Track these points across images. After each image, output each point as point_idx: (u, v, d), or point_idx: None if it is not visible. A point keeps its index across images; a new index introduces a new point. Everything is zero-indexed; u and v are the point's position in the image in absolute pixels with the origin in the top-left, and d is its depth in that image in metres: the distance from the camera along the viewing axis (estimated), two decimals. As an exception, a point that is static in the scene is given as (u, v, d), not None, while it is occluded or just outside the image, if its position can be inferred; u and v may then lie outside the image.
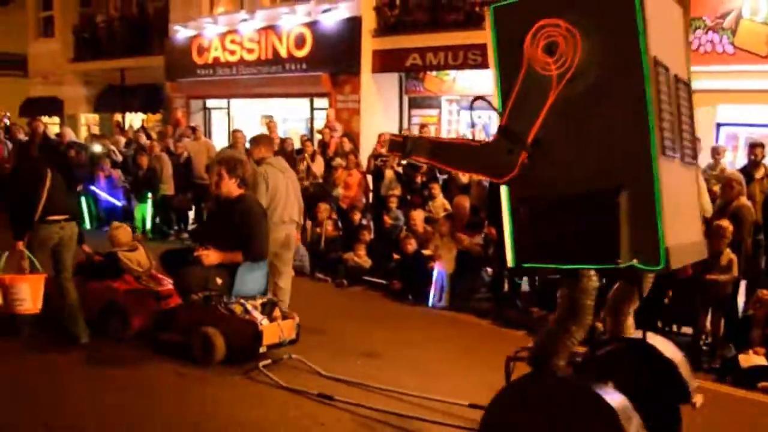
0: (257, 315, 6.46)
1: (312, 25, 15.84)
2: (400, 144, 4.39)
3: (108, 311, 7.10)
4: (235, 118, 18.93)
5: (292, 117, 17.42)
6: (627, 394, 3.79)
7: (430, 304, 9.14)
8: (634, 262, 3.57)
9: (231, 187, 6.72)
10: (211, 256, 6.53)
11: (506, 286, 9.07)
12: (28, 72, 28.02)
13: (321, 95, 16.28)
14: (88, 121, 24.93)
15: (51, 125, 21.83)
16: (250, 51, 17.23)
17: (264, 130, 14.66)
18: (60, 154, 14.52)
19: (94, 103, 24.20)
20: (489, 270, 9.41)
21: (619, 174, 3.63)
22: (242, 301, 6.54)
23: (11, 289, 6.47)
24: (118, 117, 22.49)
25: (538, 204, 3.85)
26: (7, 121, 22.84)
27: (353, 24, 15.16)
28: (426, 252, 9.52)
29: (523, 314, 8.55)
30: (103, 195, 13.82)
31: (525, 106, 3.85)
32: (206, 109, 20.06)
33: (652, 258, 3.55)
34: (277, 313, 6.66)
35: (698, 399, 4.22)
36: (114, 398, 5.64)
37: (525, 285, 9.01)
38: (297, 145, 13.49)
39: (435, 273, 9.20)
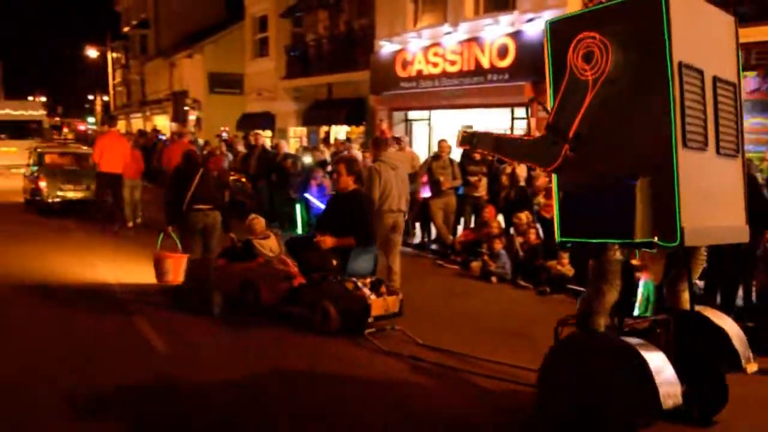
0: (366, 291, 7.47)
1: (515, 35, 15.91)
2: (469, 138, 5.35)
3: (245, 287, 8.35)
4: (435, 129, 19.25)
5: (492, 127, 17.45)
6: (676, 358, 4.51)
7: (635, 314, 8.85)
8: (654, 238, 4.26)
9: (348, 183, 7.82)
10: (327, 242, 7.57)
11: (718, 299, 8.63)
12: (244, 89, 30.36)
13: (522, 105, 16.22)
14: (297, 133, 26.46)
15: (264, 138, 23.44)
16: (453, 63, 17.57)
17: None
18: (277, 164, 15.61)
19: (303, 117, 25.62)
20: (699, 283, 8.96)
21: (644, 164, 4.26)
22: (354, 279, 7.56)
23: (159, 263, 8.42)
24: (324, 129, 23.69)
25: (574, 189, 4.63)
26: (226, 135, 24.84)
27: (557, 32, 15.01)
28: (633, 262, 9.20)
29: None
30: (315, 202, 14.56)
31: (568, 106, 4.55)
32: (407, 121, 20.55)
33: (669, 236, 4.22)
34: (383, 289, 7.71)
35: (751, 367, 4.75)
36: (245, 353, 6.92)
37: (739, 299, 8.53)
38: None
39: (641, 283, 8.90)
